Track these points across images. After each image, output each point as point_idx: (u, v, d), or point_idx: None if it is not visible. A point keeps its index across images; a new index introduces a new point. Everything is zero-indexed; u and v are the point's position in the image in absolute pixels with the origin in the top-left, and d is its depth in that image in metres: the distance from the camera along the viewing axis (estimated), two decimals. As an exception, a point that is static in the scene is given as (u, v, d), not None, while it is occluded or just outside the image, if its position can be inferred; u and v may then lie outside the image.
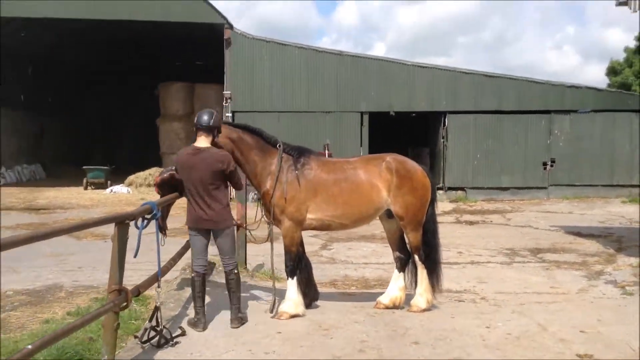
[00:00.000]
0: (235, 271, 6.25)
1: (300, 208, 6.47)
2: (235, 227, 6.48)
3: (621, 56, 45.86)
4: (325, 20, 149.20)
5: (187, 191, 6.08)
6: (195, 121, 6.17)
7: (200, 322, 6.03)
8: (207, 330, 6.02)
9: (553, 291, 8.19)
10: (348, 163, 6.87)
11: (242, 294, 7.38)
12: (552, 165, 22.14)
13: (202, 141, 6.09)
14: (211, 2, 21.34)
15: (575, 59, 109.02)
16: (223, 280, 7.92)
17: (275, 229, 6.87)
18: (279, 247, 6.77)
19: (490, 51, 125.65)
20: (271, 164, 6.53)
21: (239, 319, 6.17)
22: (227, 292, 6.33)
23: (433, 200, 7.03)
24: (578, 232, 13.76)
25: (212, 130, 6.12)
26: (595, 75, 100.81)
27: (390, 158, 6.86)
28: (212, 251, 10.91)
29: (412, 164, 6.95)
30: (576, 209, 18.92)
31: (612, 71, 46.08)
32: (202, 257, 6.19)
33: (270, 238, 6.88)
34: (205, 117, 6.11)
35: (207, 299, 7.09)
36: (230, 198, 9.36)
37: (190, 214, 6.11)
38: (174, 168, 6.34)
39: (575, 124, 22.23)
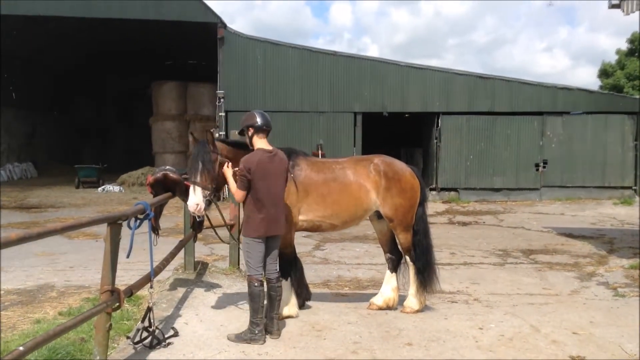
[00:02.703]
0: (281, 278, 6.11)
1: (292, 209, 6.45)
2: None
3: (612, 58, 46.15)
4: (320, 22, 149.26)
5: (258, 198, 5.70)
6: (255, 123, 5.87)
7: (262, 334, 5.73)
8: (199, 330, 5.99)
9: (545, 292, 8.21)
10: (337, 163, 6.85)
11: (235, 294, 7.37)
12: (544, 167, 22.23)
13: (266, 143, 5.93)
14: (205, 1, 21.28)
15: (566, 62, 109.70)
16: (216, 281, 7.95)
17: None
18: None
19: (480, 53, 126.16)
20: None
21: (279, 331, 5.93)
22: (246, 300, 6.04)
23: (423, 201, 7.02)
24: (570, 234, 13.82)
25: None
26: (586, 78, 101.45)
27: (378, 160, 6.84)
28: (204, 251, 10.88)
29: (400, 165, 6.93)
30: (568, 211, 19.01)
31: (603, 73, 46.31)
32: (262, 266, 5.87)
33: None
34: (266, 118, 5.92)
35: (200, 300, 7.08)
36: (224, 198, 9.34)
37: (263, 221, 5.72)
38: (166, 168, 6.29)
39: (567, 125, 22.32)
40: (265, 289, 5.92)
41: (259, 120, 5.91)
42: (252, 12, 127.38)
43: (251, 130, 5.93)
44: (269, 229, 5.77)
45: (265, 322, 5.85)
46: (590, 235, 13.59)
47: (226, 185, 6.27)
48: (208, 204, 6.04)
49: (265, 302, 5.88)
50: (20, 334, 5.82)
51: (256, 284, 5.74)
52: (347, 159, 7.05)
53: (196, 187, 5.91)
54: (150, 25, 24.03)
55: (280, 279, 6.08)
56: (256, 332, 5.67)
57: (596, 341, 5.88)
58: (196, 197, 5.91)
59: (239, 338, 5.68)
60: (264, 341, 5.68)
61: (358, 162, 6.90)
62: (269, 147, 5.90)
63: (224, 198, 20.12)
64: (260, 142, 5.91)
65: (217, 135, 17.95)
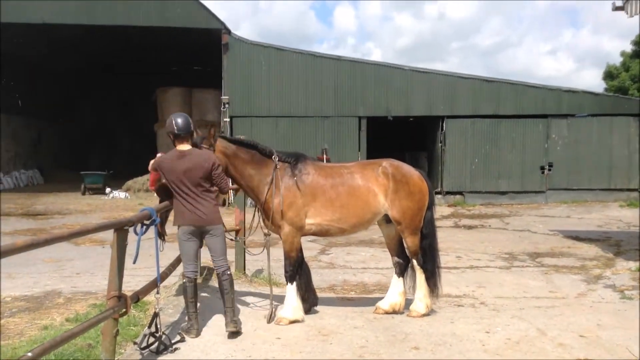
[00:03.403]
0: (228, 272, 6.11)
1: (299, 213, 6.46)
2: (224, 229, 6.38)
3: (617, 60, 46.03)
4: (324, 27, 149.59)
5: (177, 194, 5.93)
6: (171, 128, 5.98)
7: (193, 328, 5.93)
8: (206, 336, 6.00)
9: (552, 295, 8.19)
10: (344, 167, 6.87)
11: (242, 300, 7.38)
12: (550, 170, 22.18)
13: (185, 145, 6.01)
14: (209, 7, 21.38)
15: (570, 64, 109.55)
16: (222, 286, 7.94)
17: (275, 236, 6.87)
18: (277, 253, 6.76)
19: (484, 57, 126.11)
20: (267, 175, 6.51)
21: (234, 322, 6.01)
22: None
23: (431, 205, 7.02)
24: (576, 236, 13.77)
25: (192, 134, 6.08)
26: (590, 80, 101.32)
27: (387, 163, 6.86)
28: (210, 256, 10.90)
29: (408, 168, 6.95)
30: (574, 213, 18.94)
31: (608, 75, 46.19)
32: (193, 262, 6.04)
33: (266, 247, 6.86)
34: (183, 123, 5.98)
35: (206, 305, 7.08)
36: (229, 203, 9.36)
37: (182, 214, 5.93)
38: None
39: (572, 128, 22.28)
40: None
41: (172, 126, 5.99)
42: (257, 18, 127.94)
43: (171, 136, 6.07)
44: (191, 221, 5.89)
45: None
46: (597, 238, 13.54)
47: (231, 191, 6.34)
48: None
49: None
50: (28, 341, 5.84)
51: (184, 280, 6.05)
52: (354, 163, 7.08)
53: None
54: (154, 31, 24.12)
55: (228, 272, 6.09)
56: (189, 325, 5.95)
57: (603, 344, 5.86)
58: None
59: (181, 329, 5.96)
60: (196, 335, 5.90)
61: (366, 165, 6.92)
62: (187, 148, 6.00)
63: (229, 204, 20.12)
64: (180, 145, 6.02)
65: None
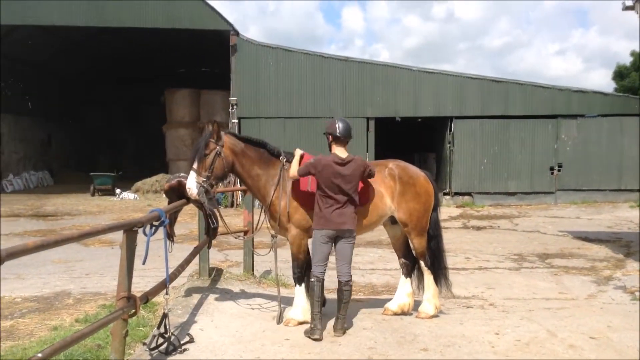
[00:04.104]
0: (351, 282, 6.27)
1: (306, 215, 6.45)
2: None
3: (626, 60, 45.78)
4: (332, 29, 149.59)
5: (326, 197, 6.04)
6: (332, 130, 6.26)
7: (317, 328, 5.97)
8: (214, 337, 6.01)
9: (562, 297, 8.14)
10: None
11: (250, 301, 7.39)
12: (559, 170, 22.07)
13: (343, 151, 6.25)
14: (217, 8, 21.42)
15: (578, 65, 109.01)
16: (230, 287, 7.97)
17: (282, 237, 6.86)
18: (286, 254, 6.76)
19: (492, 57, 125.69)
20: (274, 176, 6.49)
21: (344, 329, 6.16)
22: (316, 300, 6.16)
23: (436, 206, 7.01)
24: (586, 237, 13.69)
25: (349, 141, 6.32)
26: (599, 80, 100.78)
27: (393, 164, 6.83)
28: (218, 257, 10.92)
29: (414, 169, 6.92)
30: (584, 214, 18.83)
31: (618, 75, 45.95)
32: (324, 264, 6.18)
33: (273, 248, 6.85)
34: (345, 127, 6.25)
35: (215, 306, 7.10)
36: (237, 204, 9.38)
37: (325, 218, 6.03)
38: (181, 175, 6.35)
39: (582, 128, 22.17)
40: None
41: (337, 128, 6.27)
42: (265, 20, 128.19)
43: (330, 138, 6.32)
44: (335, 224, 6.02)
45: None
46: (607, 239, 13.46)
47: (239, 192, 6.37)
48: (205, 191, 6.23)
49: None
50: (38, 341, 5.88)
51: (313, 279, 6.13)
52: None
53: (191, 172, 6.17)
54: (162, 33, 24.23)
55: (350, 282, 6.25)
56: (312, 325, 6.03)
57: (614, 346, 5.81)
58: (189, 182, 6.17)
59: (305, 332, 6.07)
60: (320, 336, 5.94)
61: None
62: (344, 155, 6.19)
63: (237, 205, 20.19)
64: (339, 150, 6.25)
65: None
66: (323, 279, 6.17)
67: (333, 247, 6.20)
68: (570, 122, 22.14)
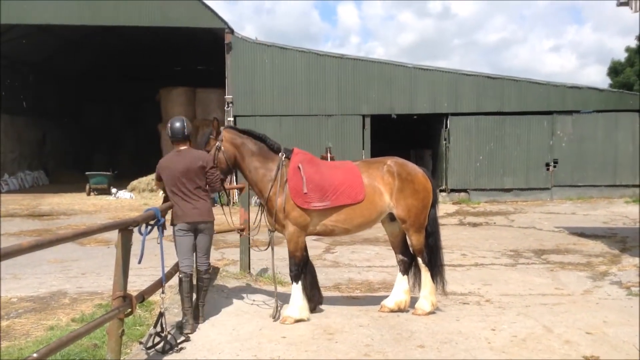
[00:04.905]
0: (210, 270, 6.55)
1: (303, 213, 6.44)
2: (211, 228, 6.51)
3: (620, 56, 45.92)
4: (328, 26, 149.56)
5: (172, 191, 6.21)
6: (170, 133, 6.35)
7: (188, 323, 6.07)
8: (211, 335, 6.01)
9: (558, 292, 8.16)
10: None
11: (247, 298, 7.39)
12: (554, 166, 22.12)
13: (182, 146, 6.36)
14: (212, 7, 21.38)
15: (573, 61, 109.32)
16: (227, 285, 7.97)
17: (279, 234, 6.86)
18: (283, 252, 6.76)
19: (487, 54, 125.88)
20: (272, 170, 6.52)
21: (203, 318, 6.39)
22: (194, 293, 6.43)
23: (435, 203, 7.03)
24: (582, 233, 13.73)
25: (189, 138, 6.38)
26: (594, 77, 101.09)
27: (392, 161, 6.84)
28: (215, 255, 10.90)
29: (413, 166, 6.94)
30: (579, 210, 18.89)
31: (613, 71, 46.06)
32: (189, 257, 6.28)
33: (271, 244, 6.86)
34: (179, 127, 6.31)
35: (211, 304, 7.09)
36: (233, 203, 9.39)
37: (180, 211, 6.18)
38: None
39: (577, 124, 22.21)
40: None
41: (170, 131, 6.38)
42: (261, 18, 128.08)
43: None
44: (187, 216, 6.17)
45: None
46: (603, 235, 13.49)
47: (236, 190, 6.40)
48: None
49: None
50: (34, 341, 5.86)
51: (180, 275, 6.24)
52: (359, 162, 7.05)
53: None
54: (158, 31, 24.15)
55: (209, 270, 6.57)
56: (184, 320, 6.09)
57: (610, 341, 5.84)
58: None
59: (176, 325, 6.09)
60: (192, 330, 6.02)
61: (371, 164, 6.90)
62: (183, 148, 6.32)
63: (234, 203, 20.19)
64: (177, 148, 6.36)
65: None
66: (191, 274, 6.28)
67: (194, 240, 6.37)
68: (565, 118, 22.19)
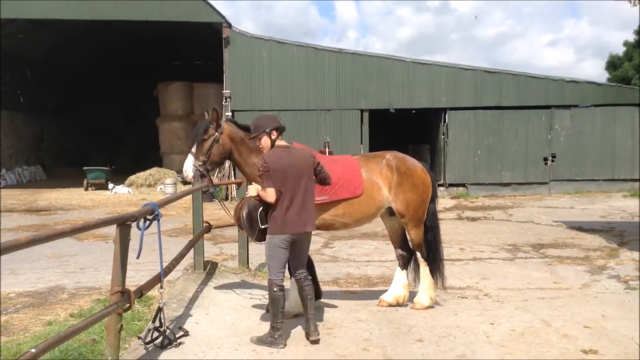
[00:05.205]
0: (310, 277, 5.94)
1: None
2: None
3: (618, 50, 45.93)
4: (326, 21, 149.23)
5: (279, 193, 5.52)
6: (266, 125, 5.73)
7: (282, 338, 5.61)
8: (210, 330, 6.00)
9: (556, 286, 8.18)
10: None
11: (245, 293, 7.39)
12: (553, 161, 22.13)
13: (282, 141, 5.81)
14: (210, 1, 21.31)
15: (571, 55, 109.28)
16: (226, 280, 7.96)
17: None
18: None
19: (485, 49, 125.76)
20: None
21: (317, 331, 5.71)
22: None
23: (434, 197, 7.02)
24: (580, 227, 13.74)
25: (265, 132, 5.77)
26: (591, 71, 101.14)
27: (390, 155, 6.83)
28: (213, 250, 10.90)
29: (412, 161, 6.92)
30: (578, 204, 18.90)
31: (611, 65, 46.05)
32: (284, 270, 5.76)
33: None
34: (276, 118, 5.82)
35: (210, 300, 7.09)
36: (232, 197, 9.36)
37: (284, 218, 5.55)
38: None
39: (575, 118, 22.21)
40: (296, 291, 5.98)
41: (266, 123, 5.79)
42: (259, 14, 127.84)
43: (275, 134, 5.78)
44: (296, 227, 5.59)
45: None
46: (601, 229, 13.51)
47: (234, 185, 6.35)
48: (200, 175, 6.30)
49: (286, 305, 5.89)
50: (32, 336, 5.86)
51: (275, 289, 5.61)
52: (358, 156, 7.02)
53: (189, 155, 6.28)
54: (156, 26, 24.06)
55: (309, 277, 5.93)
56: (276, 336, 5.57)
57: (608, 334, 5.85)
58: (185, 165, 6.30)
59: (261, 341, 5.60)
60: (284, 345, 5.56)
61: (370, 158, 6.88)
62: (285, 144, 5.80)
63: (232, 198, 20.12)
64: (279, 141, 5.80)
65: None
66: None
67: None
68: (563, 113, 22.18)
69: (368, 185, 6.57)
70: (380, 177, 6.63)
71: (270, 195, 5.48)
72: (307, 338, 5.70)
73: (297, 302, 6.48)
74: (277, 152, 5.65)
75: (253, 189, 5.69)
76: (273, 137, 5.75)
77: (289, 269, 5.99)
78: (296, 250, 5.75)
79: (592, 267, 9.52)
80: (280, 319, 5.63)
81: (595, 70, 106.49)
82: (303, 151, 5.82)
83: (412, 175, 6.72)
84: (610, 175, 22.16)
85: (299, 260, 5.84)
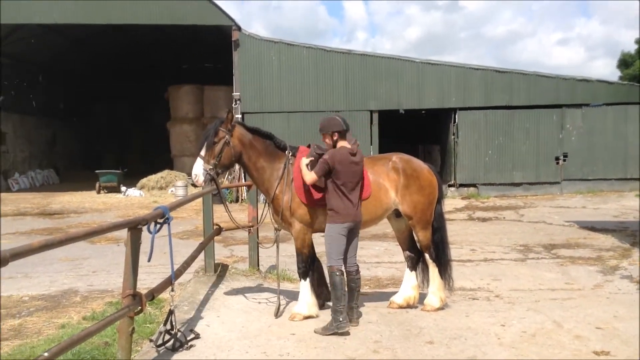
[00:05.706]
0: (360, 271, 6.45)
1: (309, 210, 6.44)
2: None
3: (630, 48, 45.55)
4: (336, 22, 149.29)
5: (340, 187, 6.06)
6: (328, 127, 6.28)
7: (346, 321, 5.99)
8: (221, 332, 6.03)
9: (568, 287, 8.13)
10: None
11: (255, 296, 7.41)
12: (564, 160, 22.00)
13: (344, 142, 6.30)
14: (219, 3, 21.42)
15: (582, 54, 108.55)
16: (236, 282, 7.99)
17: (287, 232, 6.86)
18: (291, 249, 6.76)
19: (494, 48, 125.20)
20: (279, 169, 6.49)
21: (357, 321, 6.30)
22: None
23: (440, 198, 7.00)
24: (592, 227, 13.65)
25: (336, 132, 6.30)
26: (603, 69, 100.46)
27: (397, 157, 6.82)
28: (224, 253, 10.93)
29: (418, 162, 6.91)
30: (590, 204, 18.77)
31: (623, 63, 45.69)
32: (342, 257, 6.21)
33: (276, 242, 6.87)
34: (341, 121, 6.31)
35: (221, 302, 7.12)
36: (242, 200, 9.40)
37: (344, 209, 6.07)
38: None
39: (587, 117, 22.08)
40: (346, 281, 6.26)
41: (333, 124, 6.30)
42: (268, 15, 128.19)
43: (336, 135, 6.28)
44: (356, 216, 6.13)
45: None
46: (613, 228, 13.41)
47: (244, 187, 6.39)
48: (210, 179, 6.29)
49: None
50: (45, 339, 5.92)
51: (337, 273, 6.09)
52: (365, 158, 7.03)
53: (198, 159, 6.23)
54: (165, 30, 24.19)
55: (359, 271, 6.41)
56: (340, 318, 5.93)
57: (620, 336, 5.81)
58: (195, 168, 6.26)
59: (326, 330, 5.95)
60: (348, 330, 5.94)
61: (376, 160, 6.88)
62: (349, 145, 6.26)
63: (242, 200, 20.17)
64: (341, 142, 6.28)
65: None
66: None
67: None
68: (575, 112, 22.06)
69: (375, 187, 6.57)
70: (387, 180, 6.63)
71: (309, 178, 6.10)
72: (350, 322, 6.11)
73: (308, 304, 6.50)
74: (344, 151, 6.16)
75: (305, 161, 6.23)
76: (335, 138, 6.27)
77: (344, 261, 6.25)
78: (351, 238, 6.23)
79: (604, 267, 9.45)
80: (343, 301, 6.01)
81: (606, 69, 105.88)
82: (361, 154, 6.36)
83: (418, 177, 6.71)
84: (623, 174, 22.00)
85: (353, 248, 6.31)
